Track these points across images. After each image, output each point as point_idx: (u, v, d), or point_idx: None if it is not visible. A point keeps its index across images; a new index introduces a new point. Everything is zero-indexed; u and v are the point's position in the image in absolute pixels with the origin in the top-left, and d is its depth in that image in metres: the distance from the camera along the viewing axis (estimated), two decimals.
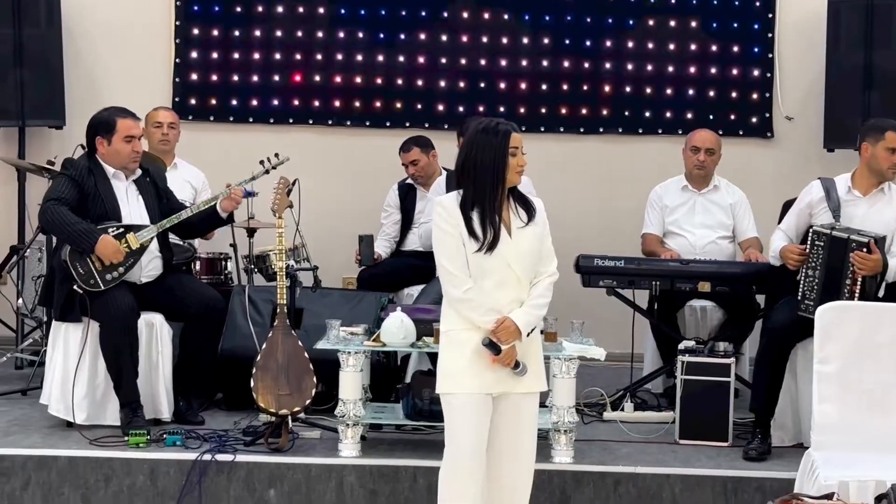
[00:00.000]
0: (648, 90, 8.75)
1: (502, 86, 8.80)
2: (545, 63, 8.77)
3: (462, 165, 4.86)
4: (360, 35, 8.79)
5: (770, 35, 8.70)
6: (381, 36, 8.78)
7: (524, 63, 8.78)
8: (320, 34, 8.80)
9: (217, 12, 8.79)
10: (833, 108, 8.34)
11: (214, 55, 8.81)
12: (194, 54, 8.80)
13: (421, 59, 8.80)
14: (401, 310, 6.08)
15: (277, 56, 8.80)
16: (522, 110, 8.73)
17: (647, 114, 8.77)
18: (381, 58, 8.79)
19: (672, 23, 8.73)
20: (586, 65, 8.76)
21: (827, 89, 8.38)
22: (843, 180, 6.39)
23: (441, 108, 8.79)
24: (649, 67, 8.75)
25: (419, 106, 8.81)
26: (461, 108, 8.71)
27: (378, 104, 8.81)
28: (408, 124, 8.68)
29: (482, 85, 8.78)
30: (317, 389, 6.20)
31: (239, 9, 8.79)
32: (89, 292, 6.28)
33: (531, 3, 8.76)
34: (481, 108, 8.59)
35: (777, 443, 6.29)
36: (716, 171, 7.59)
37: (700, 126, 7.89)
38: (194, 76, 8.81)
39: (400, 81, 8.80)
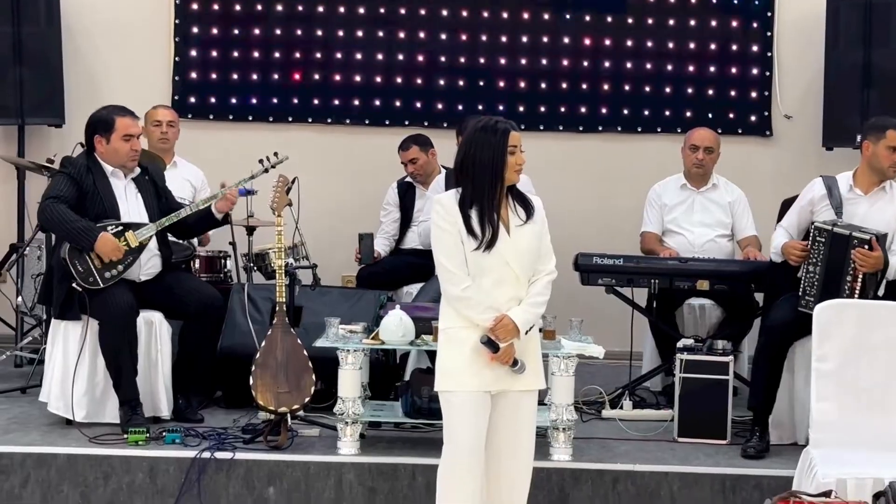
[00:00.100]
0: (647, 89, 8.76)
1: (501, 84, 8.80)
2: (544, 62, 8.78)
3: (461, 164, 4.86)
4: (360, 33, 8.80)
5: (769, 34, 8.71)
6: (381, 34, 8.79)
7: (523, 62, 8.79)
8: (319, 32, 8.81)
9: (216, 11, 8.80)
10: (832, 107, 8.35)
11: (214, 53, 8.82)
12: (194, 53, 8.81)
13: (420, 58, 8.81)
14: (400, 308, 6.09)
15: (277, 54, 8.81)
16: (521, 109, 8.74)
17: (646, 112, 8.78)
18: (380, 56, 8.80)
19: (671, 21, 8.74)
20: (585, 63, 8.77)
21: (826, 88, 8.39)
22: (845, 178, 6.40)
23: (440, 106, 8.80)
24: (648, 66, 8.76)
25: (418, 104, 8.82)
26: (460, 107, 8.72)
27: (377, 102, 8.82)
28: (407, 123, 8.69)
29: (481, 83, 8.79)
30: (316, 387, 6.21)
31: (238, 7, 8.80)
32: (88, 290, 6.29)
33: (530, 2, 8.76)
34: (480, 107, 8.59)
35: (775, 441, 6.29)
36: (715, 170, 7.60)
37: (699, 125, 7.89)
38: (194, 74, 8.82)
39: (399, 80, 8.81)
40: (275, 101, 8.84)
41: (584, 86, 8.78)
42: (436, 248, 4.87)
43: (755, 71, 8.73)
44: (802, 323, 5.99)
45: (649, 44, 8.75)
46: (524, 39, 8.78)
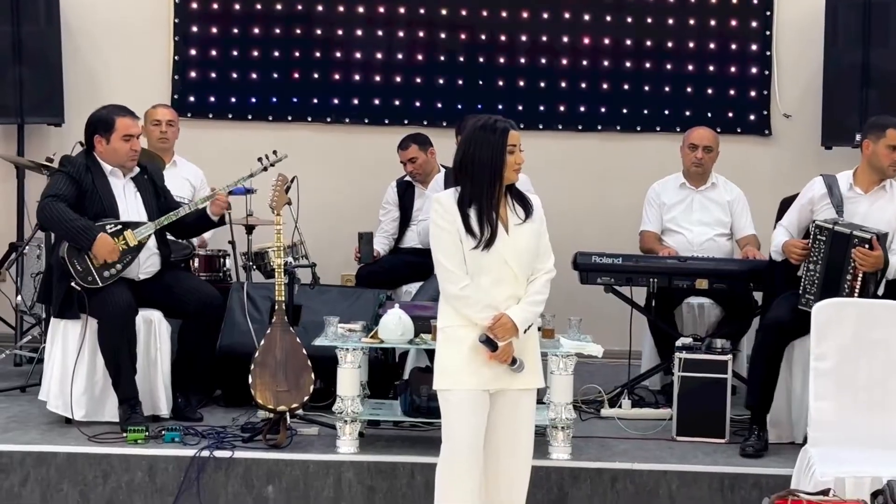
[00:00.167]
0: (646, 88, 8.77)
1: (500, 83, 8.80)
2: (543, 61, 8.78)
3: (460, 162, 4.87)
4: (359, 32, 8.80)
5: (768, 33, 8.71)
6: (380, 33, 8.80)
7: (522, 60, 8.79)
8: (319, 32, 8.81)
9: (216, 10, 8.79)
10: (831, 106, 8.35)
11: (213, 52, 8.82)
12: (193, 52, 8.82)
13: (419, 57, 8.81)
14: (399, 306, 6.09)
15: (276, 53, 8.81)
16: (521, 108, 8.74)
17: (645, 111, 8.78)
18: (379, 55, 8.81)
19: (670, 21, 8.74)
20: (584, 62, 8.77)
21: (825, 87, 8.39)
22: (845, 177, 6.41)
23: (439, 105, 8.80)
24: (647, 65, 8.76)
25: (417, 103, 8.82)
26: (459, 106, 8.71)
27: (376, 101, 8.82)
28: (406, 122, 8.69)
29: (480, 82, 8.79)
30: (315, 386, 6.22)
31: (238, 6, 8.80)
32: (87, 289, 6.29)
33: (529, 2, 8.76)
34: (480, 106, 8.58)
35: (774, 439, 6.30)
36: (714, 169, 7.60)
37: (698, 124, 7.88)
38: (193, 73, 8.82)
39: (398, 79, 8.82)
40: (274, 100, 8.84)
41: (584, 85, 8.79)
42: (434, 246, 4.88)
43: (754, 70, 8.74)
44: (800, 322, 6.00)
45: (648, 43, 8.76)
46: (523, 38, 8.78)
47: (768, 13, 8.70)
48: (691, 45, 8.75)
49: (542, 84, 8.78)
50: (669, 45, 8.75)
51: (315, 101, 8.84)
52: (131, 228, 6.39)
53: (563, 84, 8.78)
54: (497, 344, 4.78)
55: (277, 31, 8.80)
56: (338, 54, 8.81)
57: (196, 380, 6.71)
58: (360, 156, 8.73)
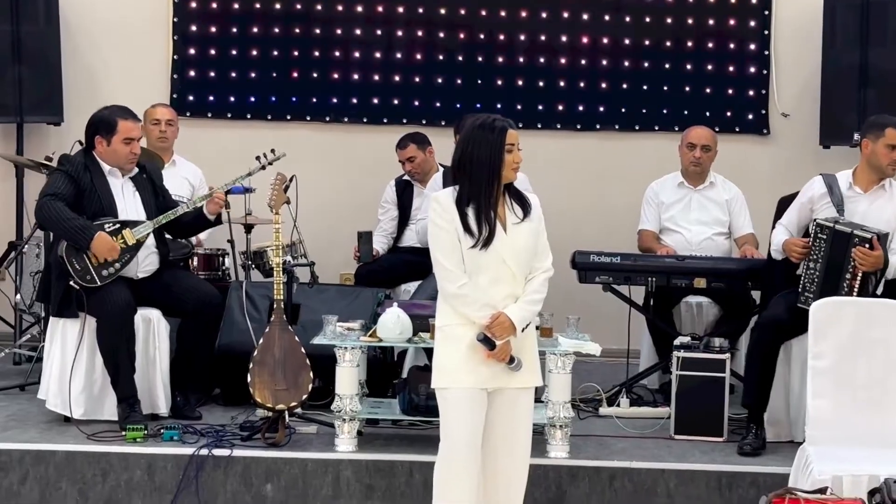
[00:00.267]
0: (645, 87, 8.78)
1: (499, 83, 8.82)
2: (542, 60, 8.79)
3: (458, 161, 4.87)
4: (358, 32, 8.80)
5: (766, 32, 8.72)
6: (379, 33, 8.80)
7: (521, 60, 8.80)
8: (318, 31, 8.81)
9: (215, 9, 8.80)
10: (829, 106, 8.37)
11: (212, 52, 8.83)
12: (192, 51, 8.82)
13: (418, 56, 8.82)
14: (397, 305, 6.10)
15: (275, 53, 8.81)
16: (519, 107, 8.75)
17: (644, 111, 8.80)
18: (378, 54, 8.81)
19: (669, 20, 8.75)
20: (583, 62, 8.79)
21: (823, 86, 8.41)
22: (845, 176, 6.41)
23: (438, 104, 8.81)
24: (646, 64, 8.77)
25: (416, 102, 8.82)
26: (458, 105, 8.72)
27: (375, 101, 8.83)
28: (405, 121, 8.70)
29: (479, 82, 8.80)
30: (313, 385, 6.22)
31: (237, 6, 8.80)
32: (86, 288, 6.30)
33: (528, 1, 8.77)
34: (478, 105, 8.58)
35: (772, 438, 6.31)
36: (712, 168, 7.61)
37: (696, 123, 7.88)
38: (192, 73, 8.83)
39: (397, 78, 8.83)
40: (273, 99, 8.85)
41: (582, 84, 8.80)
42: (433, 245, 4.88)
43: (752, 69, 8.75)
44: (796, 320, 6.01)
45: (647, 42, 8.77)
46: (522, 38, 8.79)
47: (767, 13, 8.71)
48: (690, 44, 8.76)
49: (541, 83, 8.79)
50: (668, 44, 8.76)
51: (314, 100, 8.85)
52: (130, 227, 6.40)
53: (562, 83, 8.79)
54: (495, 342, 4.79)
55: (276, 30, 8.81)
56: (336, 53, 8.82)
57: (195, 378, 6.72)
58: (359, 155, 8.73)
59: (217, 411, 6.74)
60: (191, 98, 8.80)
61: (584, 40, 8.78)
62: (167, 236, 6.71)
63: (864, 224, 6.18)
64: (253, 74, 8.82)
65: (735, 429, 6.44)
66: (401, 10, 8.77)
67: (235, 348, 6.72)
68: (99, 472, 5.95)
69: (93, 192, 6.41)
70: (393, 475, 5.94)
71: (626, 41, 8.78)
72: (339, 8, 8.79)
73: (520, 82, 8.80)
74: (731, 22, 8.74)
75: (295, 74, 8.83)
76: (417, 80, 8.82)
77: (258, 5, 8.80)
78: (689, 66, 8.76)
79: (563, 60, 8.78)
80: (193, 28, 8.81)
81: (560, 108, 8.81)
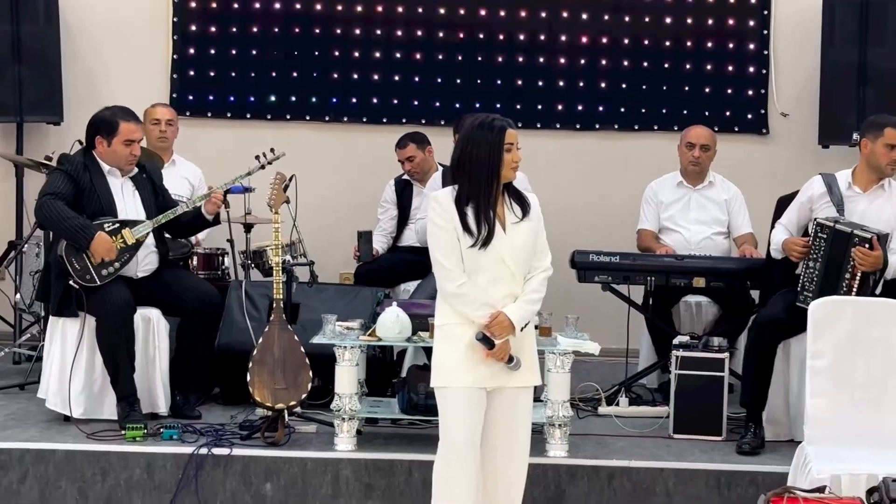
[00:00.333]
0: (644, 87, 8.78)
1: (499, 82, 8.82)
2: (541, 60, 8.79)
3: (457, 161, 4.88)
4: (357, 31, 8.81)
5: (765, 32, 8.72)
6: (378, 32, 8.80)
7: (520, 59, 8.80)
8: (317, 30, 8.82)
9: (215, 9, 8.80)
10: (828, 105, 8.37)
11: (212, 51, 8.83)
12: (192, 50, 8.82)
13: (418, 56, 8.82)
14: (396, 305, 6.11)
15: (275, 52, 8.82)
16: (519, 106, 8.75)
17: (643, 110, 8.80)
18: (377, 54, 8.81)
19: (668, 19, 8.75)
20: (582, 61, 8.79)
21: (822, 86, 8.41)
22: (844, 176, 6.41)
23: (437, 104, 8.81)
24: (645, 64, 8.77)
25: (416, 102, 8.83)
26: (457, 105, 8.72)
27: (375, 100, 8.84)
28: (404, 120, 8.70)
29: (479, 81, 8.80)
30: (313, 384, 6.22)
31: (236, 5, 8.81)
32: (86, 287, 6.30)
33: (528, 1, 8.77)
34: (478, 105, 8.58)
35: (771, 437, 6.32)
36: (711, 168, 7.62)
37: (695, 122, 7.88)
38: (192, 72, 8.83)
39: (397, 78, 8.83)
40: (273, 98, 8.85)
41: (581, 84, 8.80)
42: (432, 245, 4.89)
43: (752, 69, 8.75)
44: (793, 319, 6.02)
45: (646, 42, 8.77)
46: (521, 37, 8.79)
47: (766, 12, 8.71)
48: (689, 44, 8.76)
49: (540, 83, 8.80)
50: (667, 44, 8.76)
51: (313, 99, 8.85)
52: (129, 227, 6.40)
53: (561, 83, 8.80)
54: (494, 342, 4.79)
55: (276, 30, 8.81)
56: (336, 53, 8.82)
57: (194, 377, 6.72)
58: (359, 154, 8.74)
59: (216, 410, 6.75)
60: (190, 98, 8.80)
61: (584, 40, 8.79)
62: (167, 236, 6.72)
63: (863, 224, 6.18)
64: (252, 74, 8.83)
65: (734, 428, 6.44)
66: (400, 10, 8.77)
67: (235, 347, 6.73)
68: (98, 472, 5.95)
69: (92, 191, 6.41)
70: (392, 474, 5.94)
71: (626, 41, 8.78)
72: (339, 8, 8.79)
73: (519, 82, 8.80)
74: (731, 22, 8.75)
75: (294, 74, 8.84)
76: (417, 79, 8.82)
77: (258, 5, 8.80)
78: (688, 66, 8.77)
79: (562, 60, 8.79)
80: (193, 28, 8.81)
81: (559, 107, 8.81)
